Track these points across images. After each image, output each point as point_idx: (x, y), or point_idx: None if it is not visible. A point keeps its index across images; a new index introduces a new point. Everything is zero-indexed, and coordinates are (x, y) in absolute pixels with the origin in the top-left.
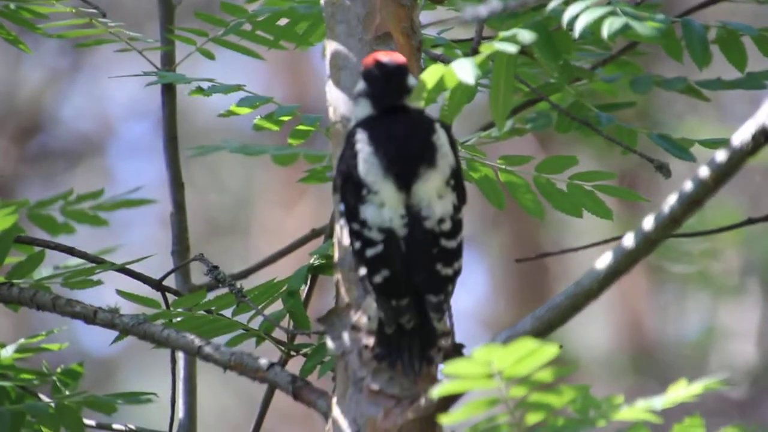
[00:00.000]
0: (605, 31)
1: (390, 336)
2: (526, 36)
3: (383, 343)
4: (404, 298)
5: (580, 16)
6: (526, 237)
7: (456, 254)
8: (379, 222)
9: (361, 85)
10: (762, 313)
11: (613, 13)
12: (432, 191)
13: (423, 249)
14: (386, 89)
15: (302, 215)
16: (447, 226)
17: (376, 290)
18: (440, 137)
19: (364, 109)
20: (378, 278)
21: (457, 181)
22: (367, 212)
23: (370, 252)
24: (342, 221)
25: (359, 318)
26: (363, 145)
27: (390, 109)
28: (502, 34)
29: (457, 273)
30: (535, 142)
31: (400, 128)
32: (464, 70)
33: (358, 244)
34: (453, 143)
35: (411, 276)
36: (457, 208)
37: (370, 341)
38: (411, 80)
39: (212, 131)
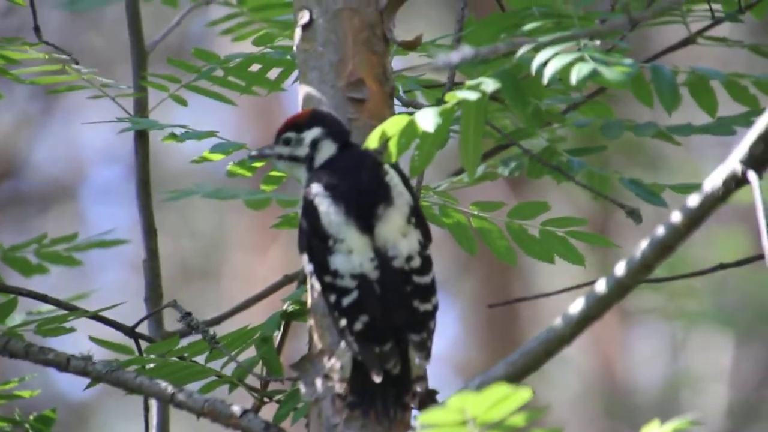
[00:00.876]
0: (574, 77)
1: (364, 383)
2: (491, 84)
3: (356, 390)
4: (387, 342)
5: (549, 63)
6: (498, 281)
7: (431, 290)
8: (350, 269)
9: (315, 132)
10: (734, 354)
11: (581, 59)
12: (395, 230)
13: (397, 288)
14: (340, 124)
15: (274, 260)
16: (416, 263)
17: (358, 339)
18: (392, 177)
19: (329, 149)
20: (358, 325)
21: (418, 218)
22: (337, 261)
23: (346, 301)
24: (313, 279)
25: (332, 365)
26: (320, 198)
27: (344, 147)
28: (468, 82)
29: (435, 308)
30: (506, 186)
31: (352, 174)
32: (425, 119)
33: (333, 297)
34: (406, 180)
35: (390, 318)
36: (423, 245)
37: (343, 389)
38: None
39: (185, 176)
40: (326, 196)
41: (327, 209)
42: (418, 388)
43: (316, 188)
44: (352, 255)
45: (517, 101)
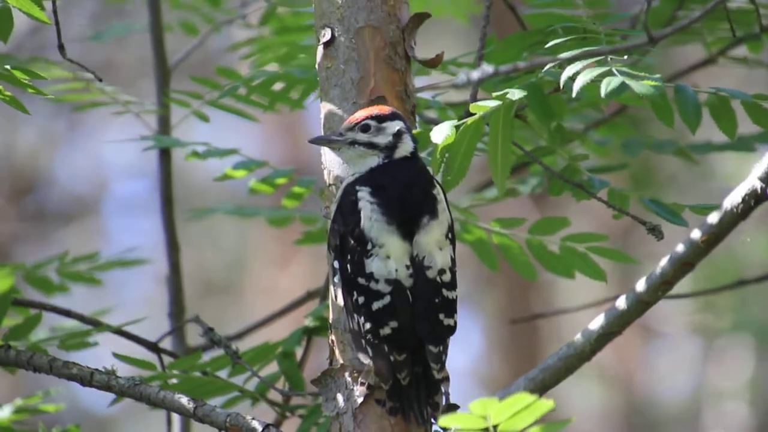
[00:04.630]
0: (603, 90)
1: (401, 389)
2: (516, 93)
3: (394, 396)
4: (403, 352)
5: (578, 76)
6: (519, 297)
7: (454, 307)
8: (386, 274)
9: (399, 124)
10: (754, 369)
11: (610, 73)
12: (433, 242)
13: (427, 299)
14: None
15: (296, 275)
16: (447, 277)
17: (381, 344)
18: (440, 191)
19: (409, 144)
20: (386, 330)
21: (453, 236)
22: (373, 265)
23: (376, 305)
24: (336, 279)
25: (368, 367)
26: (365, 202)
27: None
28: (495, 94)
29: (455, 325)
30: (529, 202)
31: (402, 180)
32: (437, 133)
33: (362, 299)
34: (446, 196)
35: (414, 326)
36: (454, 261)
37: (383, 395)
38: None
39: (207, 192)
40: (372, 200)
41: (370, 213)
42: (444, 388)
43: (361, 191)
44: (389, 260)
45: (543, 114)
